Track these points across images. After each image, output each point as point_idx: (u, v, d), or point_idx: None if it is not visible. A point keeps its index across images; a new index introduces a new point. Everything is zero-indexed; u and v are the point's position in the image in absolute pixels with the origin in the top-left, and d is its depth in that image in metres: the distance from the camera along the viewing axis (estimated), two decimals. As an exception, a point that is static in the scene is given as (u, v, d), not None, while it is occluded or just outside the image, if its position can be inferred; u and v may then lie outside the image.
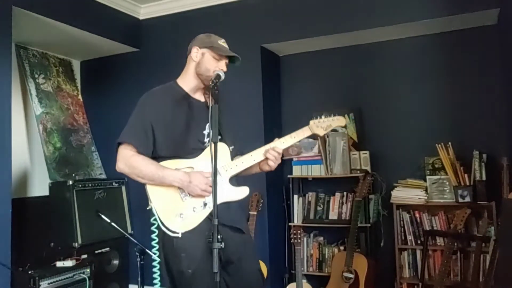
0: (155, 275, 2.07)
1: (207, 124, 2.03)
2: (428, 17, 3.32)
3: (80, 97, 4.45)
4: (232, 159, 2.08)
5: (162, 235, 1.97)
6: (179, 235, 1.91)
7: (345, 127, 3.69)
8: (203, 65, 2.05)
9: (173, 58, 4.21)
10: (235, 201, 2.04)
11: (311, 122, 2.15)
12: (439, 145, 3.36)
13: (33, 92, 3.94)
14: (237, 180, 2.10)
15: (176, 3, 4.10)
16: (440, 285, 3.09)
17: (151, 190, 1.97)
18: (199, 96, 2.13)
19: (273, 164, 2.07)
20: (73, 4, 3.65)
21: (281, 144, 2.09)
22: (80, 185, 3.70)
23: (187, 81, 2.10)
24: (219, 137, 2.02)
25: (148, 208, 1.97)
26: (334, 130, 3.65)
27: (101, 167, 4.32)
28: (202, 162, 1.98)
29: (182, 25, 4.14)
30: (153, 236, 2.00)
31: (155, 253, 2.04)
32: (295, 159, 3.80)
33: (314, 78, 4.06)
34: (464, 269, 3.27)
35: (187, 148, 2.01)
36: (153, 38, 4.27)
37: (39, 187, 3.93)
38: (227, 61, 2.10)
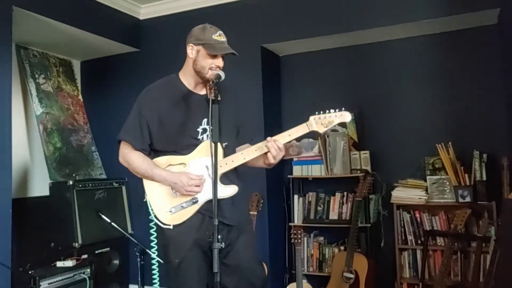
0: (154, 276, 2.12)
1: (204, 120, 2.06)
2: (428, 17, 3.32)
3: (80, 97, 4.45)
4: (234, 151, 2.10)
5: (158, 225, 2.08)
6: (171, 227, 2.02)
7: (345, 126, 3.68)
8: (198, 63, 2.04)
9: (173, 58, 4.21)
10: (224, 199, 2.03)
11: (311, 118, 2.04)
12: (439, 145, 3.36)
13: (34, 92, 3.94)
14: (238, 174, 2.15)
15: (176, 3, 4.10)
16: (441, 285, 3.09)
17: (147, 185, 2.09)
18: (200, 90, 2.12)
19: (273, 159, 2.01)
20: (73, 4, 3.65)
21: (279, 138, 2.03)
22: (80, 185, 3.70)
23: (187, 76, 2.11)
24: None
25: (144, 200, 2.10)
26: (334, 130, 3.69)
27: (101, 167, 4.32)
28: (193, 159, 2.04)
29: (182, 25, 4.10)
30: (152, 224, 2.10)
31: (154, 252, 2.13)
32: (295, 159, 3.80)
33: (314, 78, 4.06)
34: (464, 269, 3.26)
35: (181, 144, 2.06)
36: (153, 38, 4.27)
37: (39, 187, 3.93)
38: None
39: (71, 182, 3.65)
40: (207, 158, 1.98)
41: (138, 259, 3.63)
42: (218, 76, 1.99)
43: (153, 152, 2.10)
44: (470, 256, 3.22)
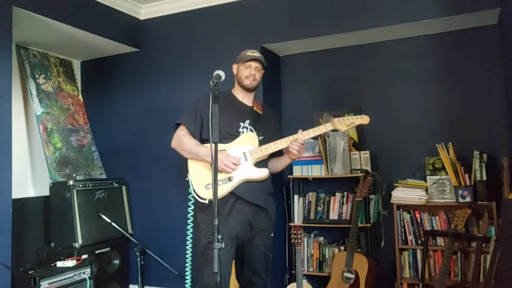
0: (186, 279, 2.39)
1: (247, 121, 2.58)
2: (428, 17, 3.32)
3: (80, 97, 4.45)
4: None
5: (195, 209, 2.55)
6: (206, 201, 2.38)
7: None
8: (239, 75, 2.65)
9: (173, 58, 4.24)
10: (255, 180, 2.45)
11: (335, 119, 2.52)
12: (440, 145, 3.36)
13: (34, 92, 3.94)
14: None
15: (176, 3, 4.10)
16: (441, 285, 3.09)
17: (190, 164, 2.52)
18: (248, 102, 2.68)
19: (296, 153, 2.48)
20: (73, 4, 3.65)
21: (303, 135, 2.48)
22: (80, 185, 3.71)
23: (236, 91, 2.69)
24: (255, 132, 2.56)
25: (186, 179, 2.49)
26: (334, 130, 3.68)
27: (102, 167, 4.32)
28: (232, 146, 2.49)
29: (182, 25, 4.14)
30: (190, 204, 2.50)
31: (188, 257, 2.57)
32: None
33: (314, 78, 4.06)
34: (464, 269, 3.27)
35: (224, 134, 2.46)
36: (153, 38, 4.27)
37: (40, 187, 3.94)
38: (257, 65, 2.61)
39: (71, 182, 3.65)
40: (244, 146, 2.47)
41: (138, 259, 3.63)
42: (218, 76, 2.23)
43: (202, 141, 2.55)
44: (470, 256, 3.23)
